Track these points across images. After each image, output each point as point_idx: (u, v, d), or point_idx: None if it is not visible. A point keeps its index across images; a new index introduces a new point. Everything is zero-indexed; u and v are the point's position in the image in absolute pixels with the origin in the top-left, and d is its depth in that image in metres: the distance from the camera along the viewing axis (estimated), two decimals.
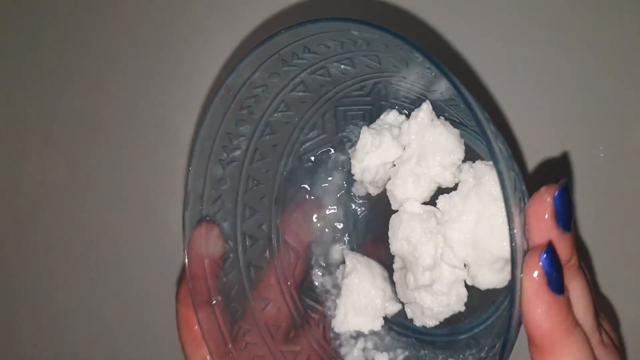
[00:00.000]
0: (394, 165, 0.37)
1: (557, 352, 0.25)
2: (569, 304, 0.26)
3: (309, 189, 0.41)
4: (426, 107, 0.35)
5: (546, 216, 0.26)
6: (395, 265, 0.38)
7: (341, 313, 0.37)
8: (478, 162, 0.33)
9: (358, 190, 0.41)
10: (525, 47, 0.48)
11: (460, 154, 0.35)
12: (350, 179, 0.41)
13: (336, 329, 0.38)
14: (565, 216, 0.26)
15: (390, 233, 0.36)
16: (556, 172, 0.48)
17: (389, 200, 0.37)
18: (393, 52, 0.31)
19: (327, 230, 0.42)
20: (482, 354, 0.33)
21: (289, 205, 0.41)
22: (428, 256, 0.34)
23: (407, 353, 0.37)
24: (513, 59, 0.49)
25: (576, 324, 0.26)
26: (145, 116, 0.59)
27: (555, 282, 0.25)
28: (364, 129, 0.36)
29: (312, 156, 0.40)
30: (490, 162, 0.33)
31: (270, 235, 0.40)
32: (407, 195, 0.36)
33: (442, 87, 0.34)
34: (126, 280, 0.59)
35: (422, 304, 0.35)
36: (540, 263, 0.25)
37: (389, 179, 0.37)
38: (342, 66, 0.35)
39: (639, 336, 0.45)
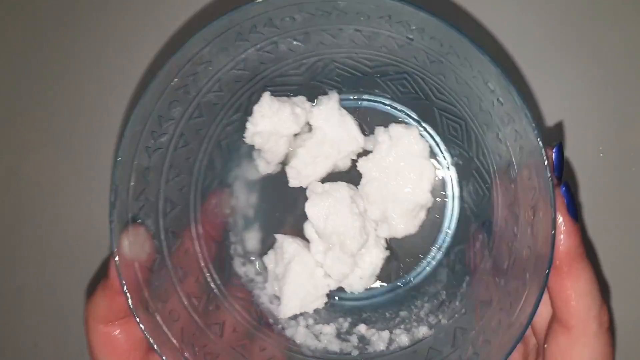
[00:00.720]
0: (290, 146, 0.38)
1: (572, 274, 0.28)
2: (581, 236, 0.29)
3: (223, 177, 0.38)
4: (335, 96, 0.37)
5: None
6: (316, 248, 0.38)
7: (287, 299, 0.36)
8: (393, 125, 0.36)
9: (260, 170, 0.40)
10: (526, 47, 0.48)
11: (361, 142, 0.38)
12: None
13: (282, 315, 0.36)
14: (572, 204, 0.29)
15: (309, 214, 0.36)
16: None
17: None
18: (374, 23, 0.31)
19: (240, 218, 0.39)
20: (437, 300, 0.36)
21: (206, 194, 0.37)
22: (353, 231, 0.36)
23: (349, 319, 0.38)
24: (513, 59, 0.48)
25: (586, 256, 0.29)
26: None
27: (572, 209, 0.28)
28: (266, 94, 0.36)
29: (230, 141, 0.37)
30: (406, 124, 0.36)
31: (189, 228, 0.36)
32: (306, 174, 0.37)
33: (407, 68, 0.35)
34: None
35: (354, 274, 0.37)
36: (562, 193, 0.28)
37: (285, 157, 0.38)
38: (295, 42, 0.33)
39: (639, 336, 0.47)
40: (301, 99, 0.37)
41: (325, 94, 0.37)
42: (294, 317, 0.38)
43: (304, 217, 0.38)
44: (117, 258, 0.30)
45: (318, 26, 0.32)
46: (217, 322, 0.35)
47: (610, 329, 0.30)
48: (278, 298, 0.38)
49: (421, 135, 0.37)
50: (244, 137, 0.37)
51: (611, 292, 0.46)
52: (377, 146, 0.37)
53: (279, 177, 0.39)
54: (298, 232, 0.39)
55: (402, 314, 0.38)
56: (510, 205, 0.31)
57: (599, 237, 0.47)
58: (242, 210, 0.40)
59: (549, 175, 0.27)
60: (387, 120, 0.38)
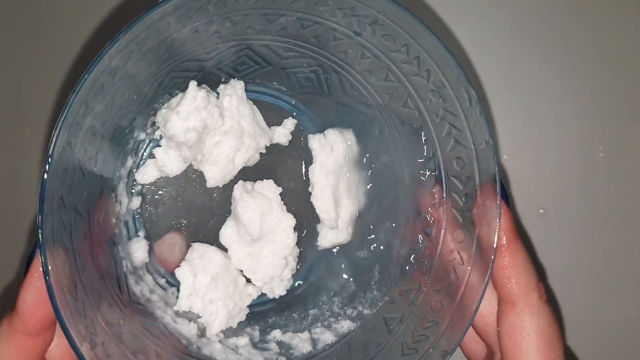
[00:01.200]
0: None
1: (510, 252, 0.31)
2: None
3: (111, 177, 0.31)
4: (241, 85, 0.35)
5: None
6: (237, 254, 0.35)
7: (215, 315, 0.32)
8: (330, 131, 0.36)
9: (149, 173, 0.33)
10: (526, 47, 0.48)
11: (270, 136, 0.37)
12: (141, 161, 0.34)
13: (211, 333, 0.33)
14: (504, 191, 0.33)
15: (243, 216, 0.34)
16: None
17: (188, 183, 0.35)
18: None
19: (123, 227, 0.33)
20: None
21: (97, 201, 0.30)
22: (287, 230, 0.34)
23: (257, 327, 0.35)
24: (513, 59, 0.48)
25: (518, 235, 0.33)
26: None
27: (505, 195, 0.32)
28: (193, 84, 0.32)
29: (121, 136, 0.30)
30: (338, 130, 0.36)
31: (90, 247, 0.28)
32: (226, 172, 0.35)
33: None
34: None
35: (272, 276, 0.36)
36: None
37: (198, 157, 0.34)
38: (228, 23, 0.29)
39: (639, 336, 0.47)
40: (204, 86, 0.33)
41: (221, 81, 0.34)
42: (204, 333, 0.33)
43: (206, 221, 0.35)
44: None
45: (265, 9, 0.29)
46: (140, 351, 0.29)
47: (550, 302, 0.33)
48: (189, 316, 0.33)
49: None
50: (145, 130, 0.31)
51: (611, 291, 0.47)
52: (317, 153, 0.36)
53: (175, 179, 0.35)
54: (204, 239, 0.35)
55: (312, 312, 0.37)
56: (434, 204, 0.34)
57: (599, 236, 0.48)
58: (124, 217, 0.33)
59: (495, 164, 0.30)
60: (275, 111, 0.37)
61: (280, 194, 0.34)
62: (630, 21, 0.48)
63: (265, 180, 0.35)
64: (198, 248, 0.34)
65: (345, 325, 0.35)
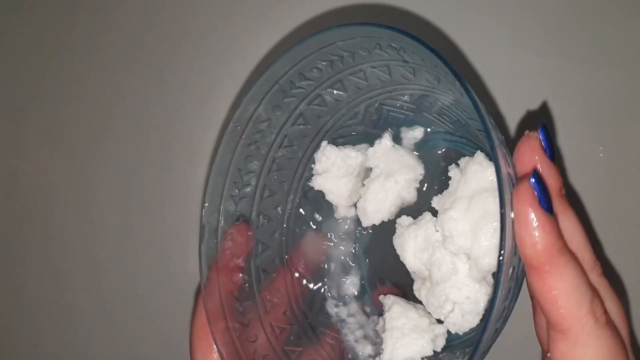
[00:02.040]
0: (363, 184, 0.41)
1: (554, 272, 0.26)
2: (559, 227, 0.27)
3: (316, 223, 0.44)
4: (387, 135, 0.40)
5: (534, 150, 0.28)
6: (415, 286, 0.39)
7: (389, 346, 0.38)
8: (463, 159, 0.37)
9: (342, 223, 0.44)
10: (525, 48, 0.49)
11: (420, 170, 0.39)
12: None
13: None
14: (550, 147, 0.28)
15: (399, 252, 0.38)
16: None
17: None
18: (389, 56, 0.35)
19: (335, 264, 0.44)
20: None
21: (298, 240, 0.43)
22: (443, 262, 0.36)
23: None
24: (513, 59, 0.49)
25: (568, 248, 0.27)
26: (148, 120, 0.60)
27: (545, 201, 0.27)
28: (324, 143, 0.40)
29: (315, 192, 0.43)
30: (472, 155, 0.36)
31: (282, 268, 0.42)
32: (377, 209, 0.39)
33: (438, 97, 0.38)
34: (127, 281, 0.60)
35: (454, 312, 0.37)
36: (531, 184, 0.27)
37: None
38: (335, 91, 0.39)
39: (639, 336, 0.46)
40: (363, 145, 0.41)
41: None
42: (374, 357, 0.39)
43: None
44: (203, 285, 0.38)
45: (343, 72, 0.37)
46: (294, 350, 0.39)
47: (610, 322, 0.27)
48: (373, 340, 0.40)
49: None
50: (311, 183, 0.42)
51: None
52: (450, 182, 0.38)
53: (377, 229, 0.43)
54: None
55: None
56: None
57: (599, 237, 0.47)
58: (338, 257, 0.44)
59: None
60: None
61: None
62: (630, 21, 0.48)
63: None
64: (384, 301, 0.39)
65: None
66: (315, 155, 0.41)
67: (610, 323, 0.27)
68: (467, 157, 0.36)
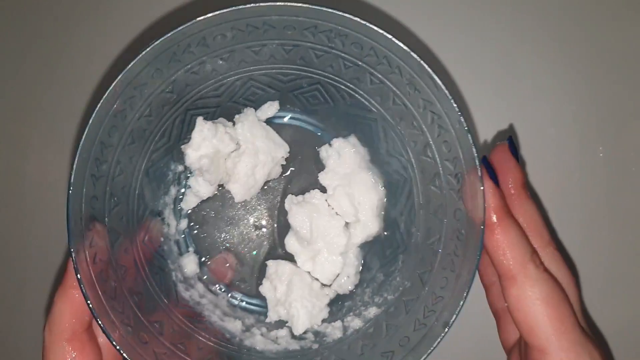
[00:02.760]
0: (226, 160, 0.40)
1: (501, 230, 0.33)
2: (504, 199, 0.34)
3: (152, 204, 0.38)
4: (252, 111, 0.40)
5: (504, 152, 0.35)
6: (303, 257, 0.40)
7: (297, 317, 0.38)
8: (335, 140, 0.40)
9: (190, 200, 0.40)
10: (525, 48, 0.48)
11: (286, 148, 0.41)
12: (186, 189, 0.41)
13: (297, 332, 0.38)
14: (515, 153, 0.35)
15: (294, 225, 0.39)
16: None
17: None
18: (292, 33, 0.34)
19: (174, 245, 0.39)
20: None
21: (140, 225, 0.37)
22: (337, 230, 0.39)
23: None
24: (513, 59, 0.49)
25: (512, 215, 0.34)
26: None
27: (495, 179, 0.34)
28: (200, 119, 0.38)
29: (156, 169, 0.38)
30: (345, 138, 0.40)
31: (134, 260, 0.35)
32: (248, 186, 0.40)
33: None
34: None
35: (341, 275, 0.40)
36: (482, 163, 0.33)
37: (222, 177, 0.40)
38: (220, 61, 0.35)
39: (639, 335, 0.48)
40: (222, 120, 0.39)
41: (240, 112, 0.40)
42: (248, 329, 0.39)
43: (247, 232, 0.42)
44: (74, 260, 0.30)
45: (244, 43, 0.35)
46: (156, 321, 0.35)
47: (549, 272, 0.34)
48: (236, 315, 0.39)
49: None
50: (183, 163, 0.38)
51: (610, 291, 0.48)
52: (327, 161, 0.41)
53: (212, 200, 0.42)
54: (250, 248, 0.42)
55: (347, 304, 0.40)
56: (432, 179, 0.36)
57: (598, 236, 0.48)
58: (174, 236, 0.40)
59: (471, 142, 0.32)
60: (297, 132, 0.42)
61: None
62: (629, 21, 0.48)
63: (311, 191, 0.40)
64: (271, 264, 0.39)
65: (372, 312, 0.38)
66: (193, 133, 0.36)
67: (548, 272, 0.34)
68: (340, 138, 0.39)
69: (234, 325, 0.39)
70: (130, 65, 0.31)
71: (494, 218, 0.33)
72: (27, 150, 0.53)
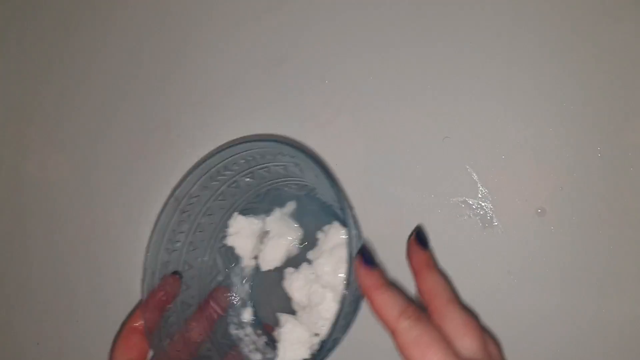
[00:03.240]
0: (262, 242, 0.58)
1: (374, 299, 0.43)
2: (382, 275, 0.45)
3: (224, 272, 0.60)
4: (278, 209, 0.59)
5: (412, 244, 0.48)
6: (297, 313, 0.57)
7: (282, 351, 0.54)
8: (326, 226, 0.56)
9: (245, 270, 0.60)
10: (524, 48, 0.50)
11: (299, 233, 0.58)
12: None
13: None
14: (423, 239, 0.48)
15: (287, 290, 0.56)
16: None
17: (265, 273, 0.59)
18: (285, 160, 0.54)
19: (235, 300, 0.60)
20: None
21: (212, 284, 0.59)
22: (317, 293, 0.54)
23: None
24: (511, 59, 0.50)
25: (386, 285, 0.44)
26: (148, 119, 0.63)
27: (371, 262, 0.45)
28: (235, 214, 0.58)
29: (226, 249, 0.60)
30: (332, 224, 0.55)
31: (201, 303, 0.57)
32: (272, 258, 0.57)
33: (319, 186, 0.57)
34: (126, 281, 0.63)
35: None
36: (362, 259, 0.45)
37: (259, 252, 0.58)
38: (247, 179, 0.56)
39: (639, 336, 0.48)
40: (261, 215, 0.59)
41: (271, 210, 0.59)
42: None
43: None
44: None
45: (258, 166, 0.55)
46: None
47: (425, 319, 0.41)
48: (262, 350, 0.57)
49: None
50: (226, 242, 0.59)
51: (610, 291, 0.48)
52: (318, 240, 0.57)
53: (268, 275, 0.60)
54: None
55: None
56: None
57: (597, 236, 0.48)
58: (239, 295, 0.60)
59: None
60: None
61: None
62: (628, 21, 0.48)
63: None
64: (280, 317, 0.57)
65: None
66: (229, 222, 0.57)
67: (424, 320, 0.41)
68: (328, 225, 0.55)
69: (255, 356, 0.56)
70: (183, 184, 0.54)
71: (367, 290, 0.44)
72: (27, 150, 0.55)
